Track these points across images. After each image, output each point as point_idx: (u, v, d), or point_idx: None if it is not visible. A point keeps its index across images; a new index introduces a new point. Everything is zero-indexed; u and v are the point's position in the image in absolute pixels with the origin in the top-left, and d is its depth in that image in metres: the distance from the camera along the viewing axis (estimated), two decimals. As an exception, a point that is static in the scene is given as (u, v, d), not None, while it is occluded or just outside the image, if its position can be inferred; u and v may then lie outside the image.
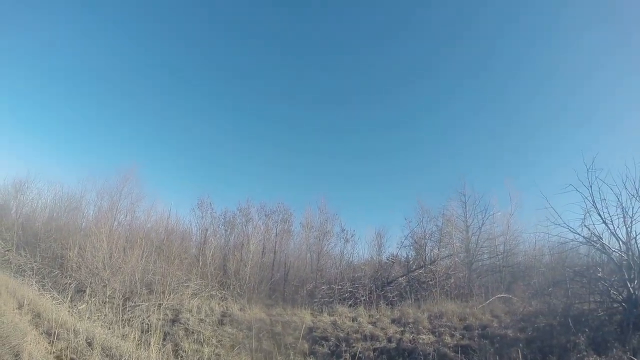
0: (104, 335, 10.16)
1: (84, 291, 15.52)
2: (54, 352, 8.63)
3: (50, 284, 15.89)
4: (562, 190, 13.18)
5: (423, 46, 59.16)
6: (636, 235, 11.74)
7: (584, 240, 12.84)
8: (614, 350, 9.77)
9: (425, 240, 21.51)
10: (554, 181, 34.64)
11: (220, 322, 14.84)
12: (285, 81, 63.22)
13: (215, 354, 11.85)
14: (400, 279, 19.81)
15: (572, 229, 12.80)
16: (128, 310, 14.46)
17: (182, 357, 11.20)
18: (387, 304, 17.44)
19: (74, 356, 8.61)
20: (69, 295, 14.25)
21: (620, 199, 11.95)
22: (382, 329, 14.02)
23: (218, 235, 24.41)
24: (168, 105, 59.55)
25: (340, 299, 18.43)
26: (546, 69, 50.12)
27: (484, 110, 52.95)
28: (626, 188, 11.91)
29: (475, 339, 12.35)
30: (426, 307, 15.97)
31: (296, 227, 25.20)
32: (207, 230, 24.07)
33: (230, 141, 56.33)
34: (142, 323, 12.88)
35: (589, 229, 12.63)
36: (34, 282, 15.74)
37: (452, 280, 19.14)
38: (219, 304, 16.75)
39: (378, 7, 58.09)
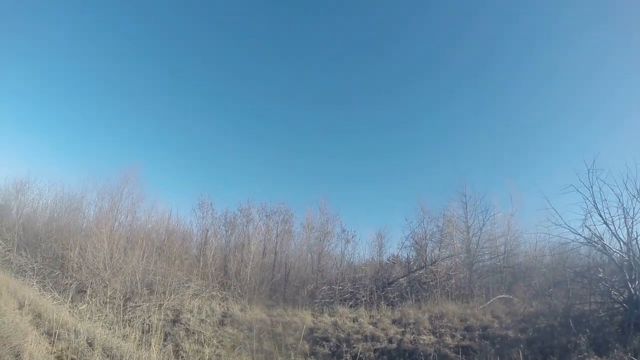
0: (105, 336, 10.15)
1: (85, 291, 15.53)
2: (54, 353, 8.64)
3: (51, 285, 15.90)
4: (562, 191, 13.20)
5: (423, 46, 59.21)
6: (637, 236, 11.76)
7: (585, 241, 12.83)
8: (615, 351, 9.76)
9: (426, 241, 21.55)
10: (554, 181, 34.67)
11: (221, 323, 14.83)
12: (285, 81, 63.26)
13: (216, 355, 11.84)
14: (401, 279, 19.80)
15: (573, 230, 12.82)
16: (129, 311, 14.46)
17: (182, 357, 11.20)
18: (387, 305, 17.44)
19: (75, 356, 8.62)
20: (70, 296, 14.26)
21: (621, 199, 11.96)
22: (383, 329, 14.02)
23: (219, 236, 24.43)
24: (168, 105, 59.56)
25: (341, 300, 18.43)
26: (546, 69, 50.16)
27: (484, 110, 52.97)
28: (627, 188, 11.92)
29: (476, 340, 12.35)
30: (427, 307, 15.97)
31: (297, 227, 25.23)
32: (207, 230, 24.09)
33: (230, 141, 56.33)
34: (143, 323, 12.87)
35: (589, 230, 12.64)
36: (34, 283, 15.75)
37: (453, 281, 19.14)
38: (219, 304, 16.75)
39: (378, 7, 58.14)
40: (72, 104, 55.23)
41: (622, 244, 11.89)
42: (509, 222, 21.35)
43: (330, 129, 58.10)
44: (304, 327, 13.64)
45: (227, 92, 62.04)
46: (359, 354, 12.24)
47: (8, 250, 20.31)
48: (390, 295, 18.67)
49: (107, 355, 8.86)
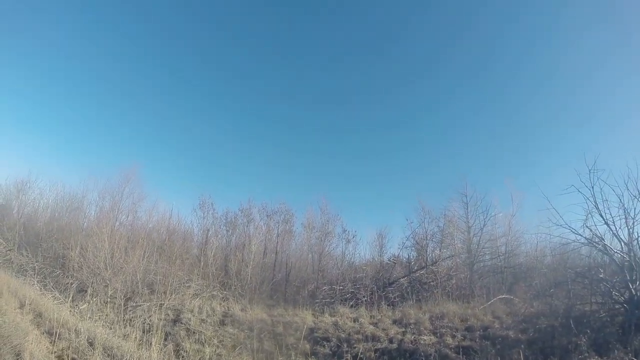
0: (106, 335, 10.17)
1: (86, 291, 15.54)
2: (55, 352, 8.66)
3: (51, 284, 15.91)
4: (563, 191, 13.18)
5: (423, 46, 59.08)
6: (638, 237, 11.75)
7: (586, 242, 12.81)
8: (616, 351, 9.75)
9: (427, 241, 21.52)
10: (555, 182, 34.50)
11: (222, 323, 14.84)
12: (285, 81, 63.14)
13: (216, 354, 11.84)
14: (401, 279, 19.80)
15: (573, 230, 12.79)
16: (129, 310, 14.48)
17: (183, 357, 11.20)
18: (388, 305, 17.44)
19: (76, 356, 8.64)
20: (71, 295, 14.28)
21: (622, 199, 11.93)
22: (384, 329, 14.02)
23: (219, 236, 24.42)
24: (168, 105, 59.46)
25: (341, 300, 18.43)
26: (547, 69, 50.02)
27: (484, 110, 52.86)
28: (628, 189, 11.89)
29: (477, 340, 12.34)
30: (427, 308, 15.97)
31: (298, 227, 25.21)
32: (208, 230, 24.11)
33: (231, 141, 56.24)
34: (144, 323, 12.89)
35: (590, 230, 12.63)
36: (35, 282, 15.78)
37: (454, 281, 19.13)
38: (220, 304, 16.76)
39: (378, 7, 58.05)
40: (72, 104, 55.26)
41: (623, 244, 11.87)
42: (509, 223, 21.35)
43: (330, 129, 58.09)
44: (305, 327, 13.64)
45: (227, 92, 62.02)
46: (359, 354, 12.23)
47: (9, 250, 20.35)
48: (391, 295, 18.67)
49: (108, 355, 8.87)
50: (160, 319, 13.51)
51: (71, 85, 54.90)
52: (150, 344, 9.81)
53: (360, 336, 13.50)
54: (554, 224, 13.22)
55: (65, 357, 8.47)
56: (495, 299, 15.69)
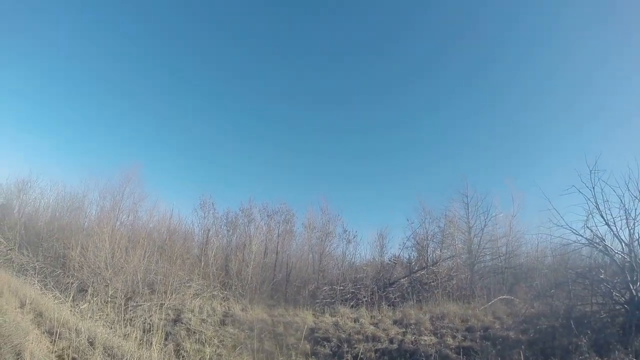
0: (106, 335, 10.17)
1: (86, 291, 15.55)
2: (55, 352, 8.66)
3: (52, 283, 15.93)
4: (564, 192, 13.14)
5: (423, 46, 59.02)
6: (639, 237, 11.71)
7: (587, 242, 12.77)
8: (616, 352, 9.72)
9: (428, 242, 21.53)
10: (556, 182, 34.25)
11: (222, 323, 14.85)
12: (285, 81, 63.11)
13: (217, 354, 11.85)
14: (402, 280, 19.79)
15: (574, 231, 12.75)
16: (130, 310, 14.49)
17: (183, 357, 11.19)
18: (389, 305, 17.43)
19: (76, 355, 8.64)
20: (71, 295, 14.28)
21: (623, 200, 11.89)
22: (384, 330, 14.01)
23: (220, 236, 24.46)
24: (168, 105, 59.47)
25: (342, 300, 18.43)
26: (547, 69, 49.97)
27: (484, 110, 52.79)
28: (629, 189, 11.85)
29: (477, 341, 12.33)
30: (428, 308, 15.96)
31: (298, 227, 25.24)
32: (209, 230, 24.16)
33: (231, 141, 56.26)
34: (144, 323, 12.89)
35: (591, 231, 12.57)
36: (36, 282, 15.79)
37: (454, 282, 19.13)
38: (220, 304, 16.77)
39: (378, 7, 58.01)
40: (72, 104, 55.32)
41: (623, 245, 11.84)
42: (510, 223, 21.34)
43: (330, 129, 58.07)
44: (305, 327, 13.63)
45: (227, 92, 62.01)
46: (360, 354, 12.22)
47: (10, 249, 20.37)
48: (391, 295, 18.66)
49: (108, 355, 8.87)
50: (161, 319, 13.51)
51: (71, 85, 55.01)
52: (151, 343, 9.81)
53: (360, 336, 13.49)
54: (555, 225, 13.20)
55: (65, 356, 8.47)
56: (495, 299, 15.68)
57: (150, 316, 14.08)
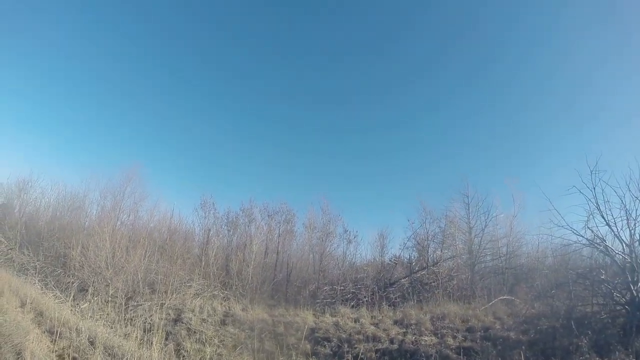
0: (106, 334, 10.19)
1: (87, 290, 15.56)
2: (56, 351, 8.67)
3: (53, 283, 15.94)
4: (565, 192, 13.15)
5: (423, 46, 59.01)
6: (640, 238, 11.71)
7: (587, 243, 12.78)
8: (617, 353, 9.73)
9: (428, 242, 21.52)
10: (556, 182, 34.21)
11: (223, 322, 14.85)
12: (285, 81, 63.12)
13: (217, 354, 11.86)
14: (402, 280, 19.79)
15: (575, 231, 12.75)
16: (130, 310, 14.50)
17: (184, 356, 11.21)
18: (389, 305, 17.42)
19: (76, 355, 8.65)
20: (72, 294, 14.30)
21: (623, 200, 11.89)
22: (385, 330, 14.01)
23: (221, 236, 24.46)
24: (168, 105, 59.45)
25: (342, 300, 18.43)
26: (548, 69, 49.91)
27: (484, 110, 52.76)
28: (630, 190, 11.85)
29: (478, 341, 12.33)
30: (428, 308, 15.95)
31: (299, 227, 25.22)
32: (209, 230, 24.16)
33: (231, 141, 56.26)
34: (145, 322, 12.91)
35: (592, 231, 12.58)
36: (36, 281, 15.82)
37: (455, 282, 19.12)
38: (221, 304, 16.77)
39: (378, 7, 58.01)
40: (72, 104, 55.34)
41: (624, 245, 11.83)
42: (511, 223, 21.31)
43: (330, 129, 58.08)
44: (306, 327, 13.63)
45: (227, 92, 62.00)
46: (360, 354, 12.24)
47: (10, 249, 20.39)
48: (392, 295, 18.65)
49: (109, 354, 8.88)
50: (161, 319, 13.51)
51: (71, 85, 55.02)
52: (151, 343, 9.82)
53: (361, 336, 13.49)
54: (556, 225, 13.21)
55: (66, 356, 8.48)
56: (496, 299, 15.66)
57: (151, 316, 14.08)
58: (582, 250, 13.81)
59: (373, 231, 24.36)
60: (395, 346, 12.76)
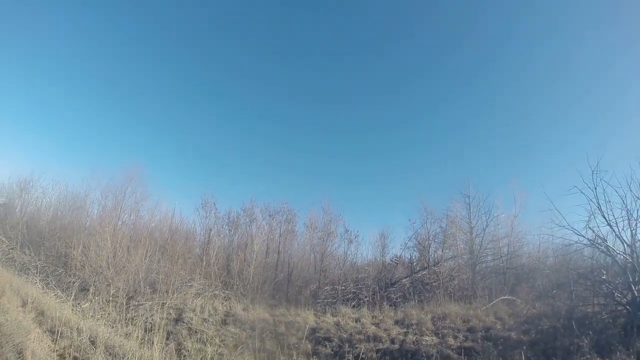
0: (107, 334, 10.18)
1: (88, 290, 15.57)
2: (57, 350, 8.67)
3: (54, 283, 15.93)
4: (566, 192, 13.17)
5: (424, 46, 59.08)
6: (641, 238, 11.69)
7: (589, 243, 12.78)
8: (618, 353, 9.72)
9: (429, 242, 21.51)
10: (558, 183, 34.20)
11: (224, 322, 14.86)
12: (285, 81, 63.23)
13: (218, 354, 11.87)
14: (403, 280, 19.79)
15: (576, 231, 12.76)
16: (131, 309, 14.50)
17: (185, 356, 11.22)
18: (390, 305, 17.42)
19: (77, 354, 8.65)
20: (73, 294, 14.29)
21: (625, 201, 11.90)
22: (385, 330, 14.01)
23: (222, 235, 24.49)
24: (168, 105, 59.61)
25: (343, 300, 18.44)
26: (550, 70, 49.95)
27: (485, 110, 52.86)
28: (631, 190, 11.86)
29: (479, 341, 12.32)
30: (429, 308, 15.95)
31: (300, 227, 25.29)
32: (210, 230, 24.17)
33: (231, 141, 56.53)
34: (146, 322, 12.90)
35: (593, 231, 12.58)
36: (38, 281, 15.81)
37: (456, 282, 19.12)
38: (222, 303, 16.78)
39: (378, 8, 58.10)
40: (72, 104, 55.41)
41: (625, 245, 11.83)
42: (512, 223, 21.32)
43: (331, 129, 58.25)
44: (307, 327, 13.65)
45: (227, 92, 62.16)
46: (361, 354, 12.24)
47: (12, 248, 20.38)
48: (392, 295, 18.65)
49: (110, 354, 8.88)
50: (162, 318, 13.51)
51: (71, 85, 55.10)
52: (152, 343, 9.82)
53: (362, 336, 13.49)
54: (557, 225, 13.24)
55: (67, 355, 8.48)
56: (497, 300, 15.66)
57: (152, 315, 14.08)
58: (584, 250, 13.82)
59: (374, 231, 24.40)
60: (396, 346, 12.76)
